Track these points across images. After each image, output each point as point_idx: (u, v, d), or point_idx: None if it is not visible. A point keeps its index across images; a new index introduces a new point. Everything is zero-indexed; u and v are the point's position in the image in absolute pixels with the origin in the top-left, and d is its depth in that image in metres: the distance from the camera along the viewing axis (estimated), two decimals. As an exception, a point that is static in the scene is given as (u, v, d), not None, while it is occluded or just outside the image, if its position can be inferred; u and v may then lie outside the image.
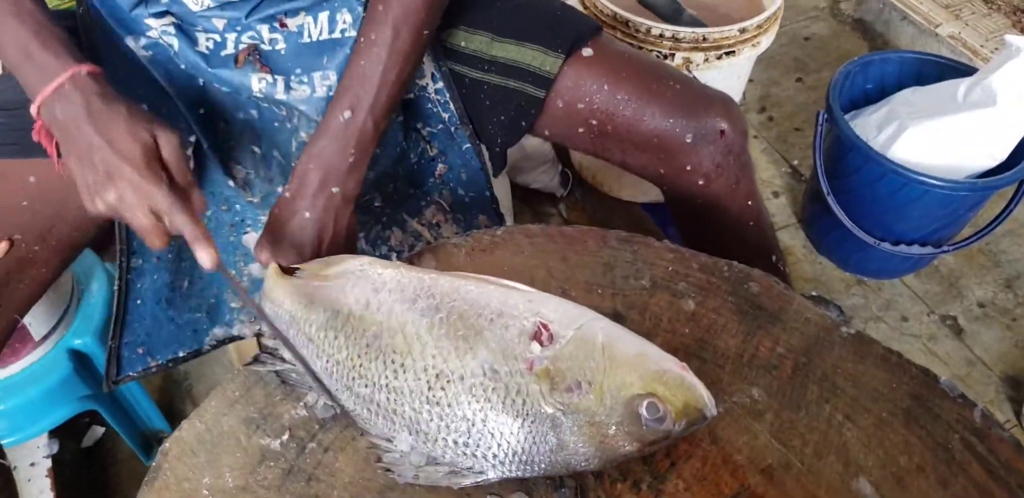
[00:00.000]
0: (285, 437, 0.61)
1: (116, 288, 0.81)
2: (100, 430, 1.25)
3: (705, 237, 0.91)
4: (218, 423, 0.62)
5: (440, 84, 0.82)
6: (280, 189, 0.81)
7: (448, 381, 0.56)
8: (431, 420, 0.56)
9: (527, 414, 0.54)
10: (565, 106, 0.83)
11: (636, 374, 0.54)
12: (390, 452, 0.58)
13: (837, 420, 0.62)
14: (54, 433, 1.13)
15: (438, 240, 0.91)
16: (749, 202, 0.89)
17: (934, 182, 1.22)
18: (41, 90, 0.63)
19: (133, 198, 0.62)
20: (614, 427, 0.54)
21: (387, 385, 0.57)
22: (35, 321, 1.02)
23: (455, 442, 0.56)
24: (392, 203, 0.89)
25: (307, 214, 0.71)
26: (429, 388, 0.56)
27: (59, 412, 1.04)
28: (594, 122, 0.82)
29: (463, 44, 0.82)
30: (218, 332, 0.87)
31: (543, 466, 0.55)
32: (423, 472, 0.57)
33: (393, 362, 0.57)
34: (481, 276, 0.62)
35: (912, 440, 0.61)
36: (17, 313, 0.75)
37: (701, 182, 0.84)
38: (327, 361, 0.60)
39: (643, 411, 0.53)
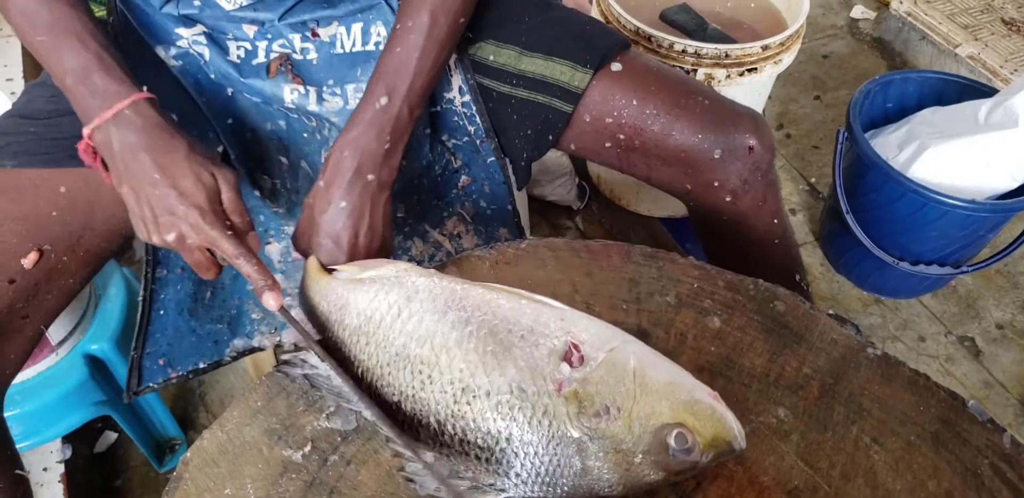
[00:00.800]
0: (307, 449, 0.60)
1: (141, 298, 0.81)
2: (113, 436, 1.25)
3: (729, 254, 0.90)
4: (240, 433, 0.61)
5: (467, 97, 0.82)
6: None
7: (474, 396, 0.55)
8: (455, 434, 0.56)
9: (553, 436, 0.54)
10: (593, 121, 0.82)
11: (667, 402, 0.53)
12: (413, 463, 0.58)
13: (864, 442, 0.61)
14: (67, 438, 1.12)
15: (458, 251, 0.91)
16: (775, 220, 0.88)
17: (955, 203, 1.21)
18: (99, 114, 0.64)
19: (195, 241, 0.64)
20: (641, 455, 0.53)
21: (413, 396, 0.57)
22: (52, 326, 1.01)
23: (478, 458, 0.56)
24: (415, 214, 0.89)
25: (343, 203, 0.70)
26: (455, 402, 0.56)
27: (74, 417, 1.04)
28: (621, 137, 0.82)
29: (492, 58, 0.82)
30: (238, 343, 0.86)
31: (566, 489, 0.55)
32: (445, 485, 0.57)
33: (420, 373, 0.57)
34: (513, 290, 0.62)
35: (941, 465, 0.60)
36: (44, 324, 0.75)
37: (728, 199, 0.84)
38: (357, 367, 0.60)
39: (671, 441, 0.52)
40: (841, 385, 0.65)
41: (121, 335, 1.08)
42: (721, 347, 0.67)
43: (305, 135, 0.80)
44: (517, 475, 0.55)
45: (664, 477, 0.54)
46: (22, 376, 1.01)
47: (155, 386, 0.83)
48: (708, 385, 0.64)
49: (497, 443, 0.55)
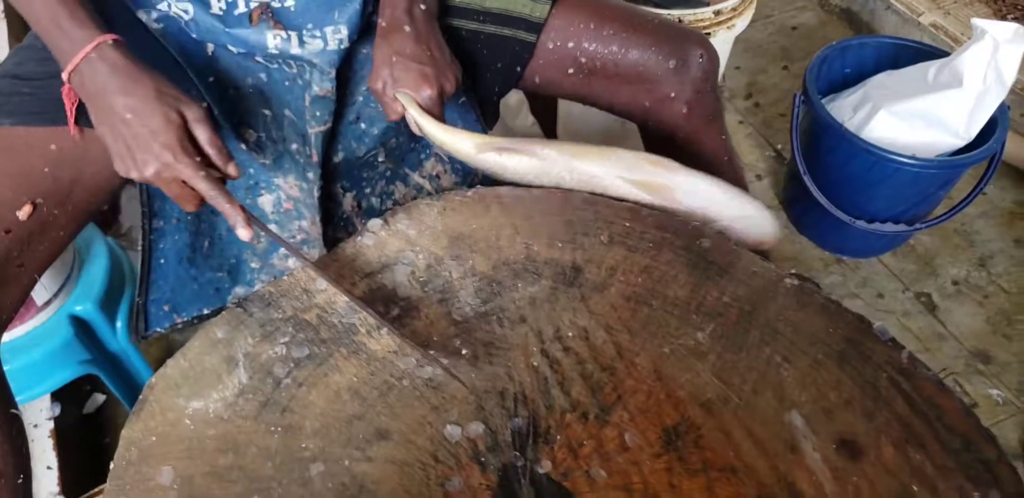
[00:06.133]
0: (262, 374, 0.66)
1: (140, 248, 0.86)
2: (101, 398, 1.30)
3: None
4: (200, 361, 0.67)
5: None
6: (293, 147, 0.87)
7: None
8: None
9: None
10: (556, 48, 0.89)
11: None
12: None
13: (775, 361, 0.67)
14: (57, 398, 1.18)
15: (438, 191, 0.97)
16: (723, 136, 0.96)
17: (903, 160, 1.26)
18: (71, 59, 0.69)
19: (169, 175, 0.69)
20: None
21: None
22: (38, 287, 1.07)
23: None
24: (394, 158, 0.94)
25: (407, 28, 0.79)
26: None
27: (61, 374, 1.09)
28: (583, 60, 0.89)
29: None
30: (240, 291, 0.91)
31: None
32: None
33: None
34: None
35: (843, 378, 0.65)
36: (37, 272, 0.79)
37: (684, 110, 0.90)
38: None
39: None
40: (758, 311, 0.70)
41: (104, 297, 1.13)
42: (648, 280, 0.73)
43: (287, 83, 0.85)
44: None
45: None
46: (10, 335, 1.06)
47: (162, 330, 0.89)
48: (632, 313, 0.70)
49: None
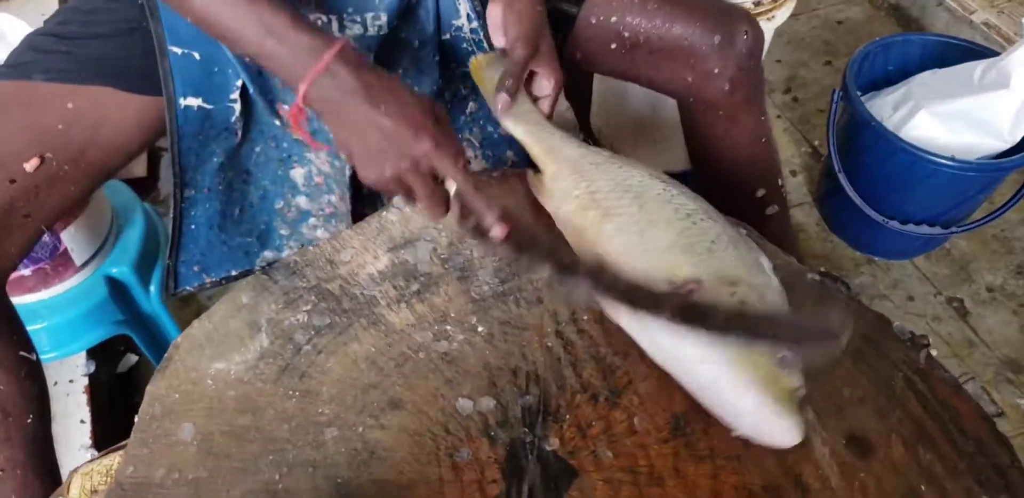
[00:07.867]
0: (284, 340, 0.68)
1: (171, 216, 0.89)
2: (133, 358, 1.35)
3: (722, 154, 0.97)
4: (225, 324, 0.69)
5: (475, 23, 0.87)
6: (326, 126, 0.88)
7: None
8: None
9: None
10: (598, 23, 0.88)
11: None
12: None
13: (790, 354, 0.66)
14: (92, 356, 1.22)
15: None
16: (762, 117, 0.95)
17: (942, 161, 1.24)
18: (308, 71, 0.64)
19: (427, 165, 0.65)
20: None
21: None
22: (77, 248, 1.11)
23: None
24: None
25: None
26: None
27: (95, 333, 1.13)
28: (627, 34, 0.88)
29: None
30: (268, 255, 0.93)
31: None
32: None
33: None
34: None
35: (858, 376, 0.65)
36: (44, 223, 0.81)
37: (727, 87, 0.89)
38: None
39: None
40: (776, 304, 0.70)
41: (139, 260, 1.17)
42: (669, 268, 0.73)
43: None
44: None
45: None
46: (49, 293, 1.11)
47: (191, 288, 0.91)
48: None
49: None
